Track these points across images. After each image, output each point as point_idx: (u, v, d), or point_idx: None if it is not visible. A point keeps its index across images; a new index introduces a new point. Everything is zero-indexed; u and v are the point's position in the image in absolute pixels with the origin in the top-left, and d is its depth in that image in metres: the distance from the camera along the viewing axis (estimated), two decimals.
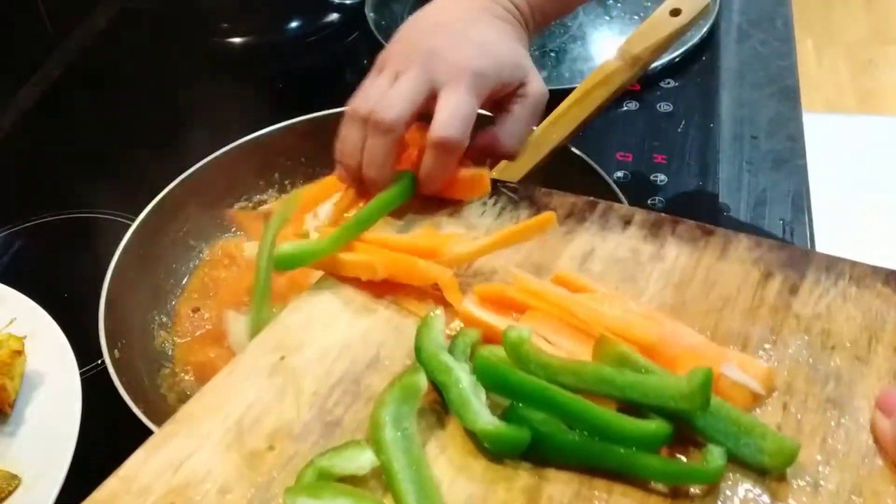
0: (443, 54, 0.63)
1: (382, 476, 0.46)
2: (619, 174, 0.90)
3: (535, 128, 0.77)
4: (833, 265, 0.56)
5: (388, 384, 0.49)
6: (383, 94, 0.63)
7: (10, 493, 0.61)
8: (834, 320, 0.53)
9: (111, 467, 0.70)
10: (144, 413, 0.65)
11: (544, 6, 0.70)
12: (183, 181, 0.83)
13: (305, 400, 0.50)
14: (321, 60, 1.14)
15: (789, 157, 0.91)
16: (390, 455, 0.46)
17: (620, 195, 0.75)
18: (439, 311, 0.53)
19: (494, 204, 0.64)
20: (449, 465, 0.47)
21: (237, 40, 1.18)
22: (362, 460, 0.46)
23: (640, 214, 0.62)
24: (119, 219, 0.89)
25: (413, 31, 0.67)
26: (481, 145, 0.65)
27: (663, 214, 0.62)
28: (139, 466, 0.48)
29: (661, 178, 0.89)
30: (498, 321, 0.54)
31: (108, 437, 0.68)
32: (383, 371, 0.52)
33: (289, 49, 1.17)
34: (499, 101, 0.66)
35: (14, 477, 0.62)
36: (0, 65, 1.08)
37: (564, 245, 0.60)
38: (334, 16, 1.18)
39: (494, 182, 0.66)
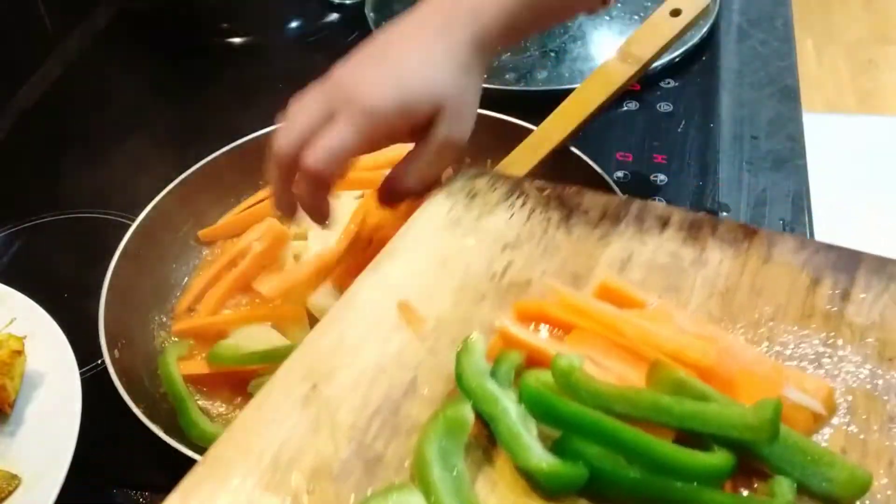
0: (347, 84, 0.62)
1: None
2: (619, 174, 0.90)
3: (534, 128, 0.77)
4: (883, 267, 0.53)
5: (432, 416, 0.46)
6: (294, 114, 0.63)
7: (10, 493, 0.61)
8: (890, 329, 0.50)
9: (111, 467, 0.71)
10: (144, 413, 0.65)
11: (518, 22, 0.65)
12: (183, 181, 0.83)
13: (343, 434, 0.47)
14: (321, 60, 1.14)
15: (789, 157, 0.91)
16: (441, 497, 0.43)
17: (620, 195, 0.75)
18: (478, 335, 0.50)
19: (522, 205, 0.61)
20: None
21: (237, 40, 1.18)
22: None
23: (677, 214, 0.58)
24: (119, 219, 0.89)
25: (355, 52, 0.65)
26: (385, 182, 0.66)
27: (702, 214, 0.59)
28: None
29: (661, 178, 0.89)
30: (542, 343, 0.51)
31: (108, 437, 0.68)
32: (422, 399, 0.49)
33: (289, 49, 1.17)
34: (415, 132, 0.64)
35: (14, 477, 0.62)
36: (0, 65, 1.08)
37: (601, 250, 0.57)
38: (334, 16, 1.18)
39: (522, 180, 0.63)
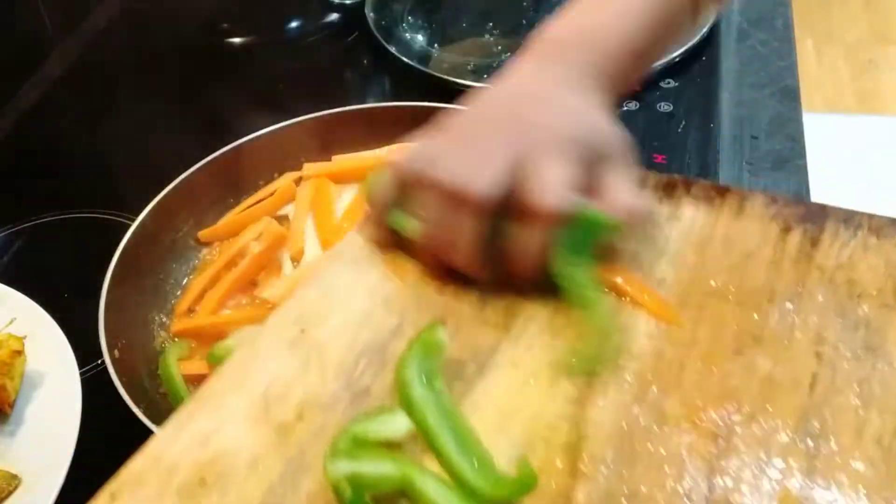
0: (529, 120, 0.55)
1: (418, 440, 0.45)
2: None
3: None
4: (850, 218, 0.57)
5: (408, 344, 0.49)
6: (460, 160, 0.53)
7: (10, 493, 0.61)
8: (857, 270, 0.53)
9: (111, 467, 0.70)
10: (144, 413, 0.65)
11: (628, 69, 0.60)
12: (183, 181, 0.83)
13: (331, 370, 0.50)
14: (321, 60, 1.14)
15: (789, 157, 0.91)
16: (423, 412, 0.45)
17: None
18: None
19: None
20: (484, 427, 0.46)
21: (237, 40, 1.18)
22: (397, 424, 0.45)
23: (653, 178, 0.61)
24: (119, 219, 0.89)
25: (487, 102, 0.58)
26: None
27: (676, 176, 0.61)
28: (165, 444, 0.47)
29: None
30: None
31: (108, 437, 0.68)
32: (408, 339, 0.51)
33: (289, 49, 1.17)
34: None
35: (14, 477, 0.62)
36: (0, 65, 1.08)
37: None
38: (334, 16, 1.18)
39: None
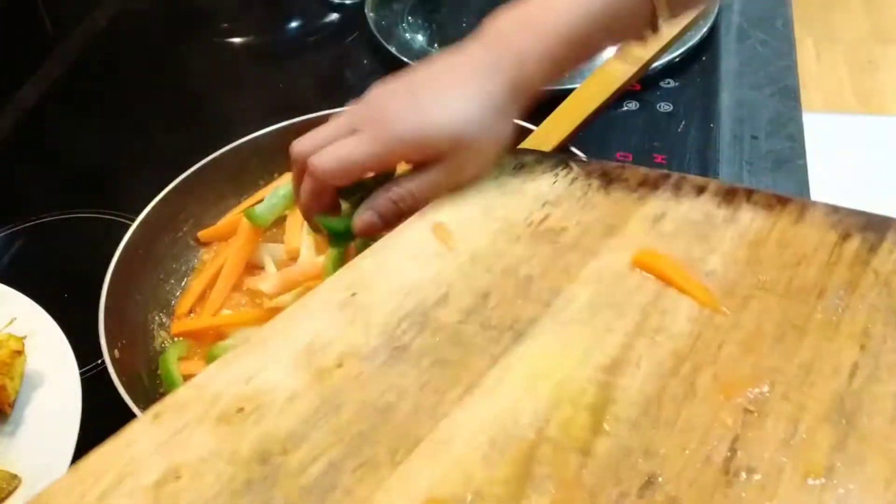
0: (376, 106, 0.63)
1: None
2: None
3: (534, 128, 0.77)
4: None
5: None
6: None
7: (11, 493, 0.61)
8: None
9: None
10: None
11: (560, 65, 0.63)
12: (183, 181, 0.83)
13: (374, 329, 0.52)
14: (321, 60, 1.14)
15: (789, 157, 0.91)
16: None
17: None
18: None
19: (566, 175, 0.65)
20: (513, 387, 0.48)
21: (237, 40, 1.18)
22: None
23: (714, 184, 0.62)
24: (119, 219, 0.89)
25: (398, 77, 0.65)
26: (380, 201, 0.63)
27: (738, 185, 0.62)
28: (211, 378, 0.50)
29: None
30: None
31: (107, 437, 0.68)
32: (451, 307, 0.54)
33: (289, 49, 1.17)
34: (427, 160, 0.63)
35: (14, 477, 0.62)
36: (0, 65, 1.08)
37: (637, 208, 0.61)
38: (334, 16, 1.18)
39: (567, 157, 0.67)
